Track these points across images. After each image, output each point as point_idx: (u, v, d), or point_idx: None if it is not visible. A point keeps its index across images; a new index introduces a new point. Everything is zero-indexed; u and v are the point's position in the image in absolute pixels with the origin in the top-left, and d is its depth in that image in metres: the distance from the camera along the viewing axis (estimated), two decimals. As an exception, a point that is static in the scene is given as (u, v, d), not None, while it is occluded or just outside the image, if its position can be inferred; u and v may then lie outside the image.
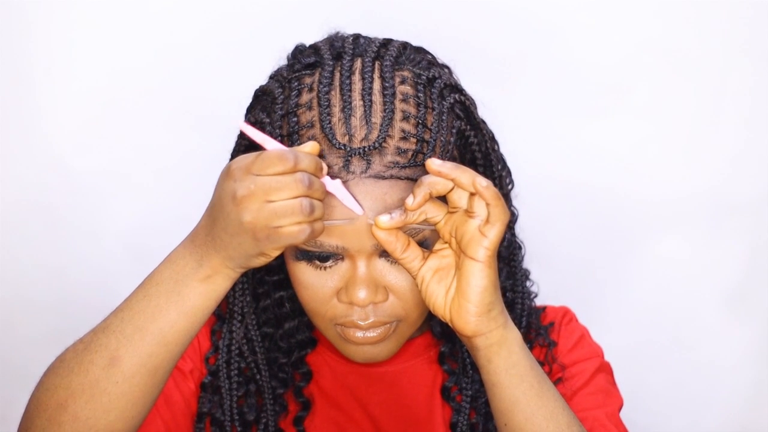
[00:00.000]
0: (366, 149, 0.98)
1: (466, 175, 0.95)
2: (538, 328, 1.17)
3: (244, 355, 1.15)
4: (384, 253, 1.01)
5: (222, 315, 1.16)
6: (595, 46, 1.63)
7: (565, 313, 1.20)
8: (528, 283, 1.19)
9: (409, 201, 0.96)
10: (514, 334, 1.00)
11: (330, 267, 1.03)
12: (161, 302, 0.95)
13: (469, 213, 0.96)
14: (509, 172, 1.17)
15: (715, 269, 1.68)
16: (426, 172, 0.98)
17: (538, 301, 1.23)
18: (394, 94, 1.01)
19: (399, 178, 0.99)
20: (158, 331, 0.95)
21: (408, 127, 1.00)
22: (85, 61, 1.62)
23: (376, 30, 1.13)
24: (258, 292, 1.15)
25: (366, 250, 1.00)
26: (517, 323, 1.14)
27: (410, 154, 0.99)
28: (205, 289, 0.95)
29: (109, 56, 1.62)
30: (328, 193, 0.96)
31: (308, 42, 1.10)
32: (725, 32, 1.61)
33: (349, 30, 1.12)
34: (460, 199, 0.96)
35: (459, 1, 1.61)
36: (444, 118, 1.03)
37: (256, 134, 0.94)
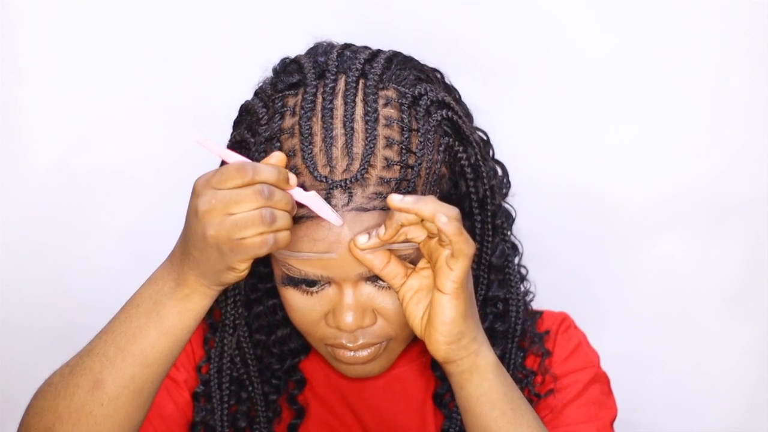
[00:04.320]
0: (348, 182, 0.97)
1: (427, 208, 0.93)
2: (534, 335, 1.15)
3: (237, 366, 1.15)
4: (371, 278, 1.01)
5: (215, 324, 1.16)
6: (592, 46, 1.62)
7: (563, 320, 1.18)
8: (526, 284, 1.18)
9: (381, 231, 0.96)
10: (487, 361, 0.99)
11: (317, 292, 1.03)
12: (141, 323, 0.95)
13: (441, 242, 0.95)
14: (506, 174, 1.16)
15: (715, 269, 1.68)
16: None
17: (535, 303, 1.22)
18: (377, 120, 0.99)
19: (382, 209, 0.98)
20: (139, 352, 0.95)
21: (391, 154, 0.99)
22: (86, 60, 1.62)
23: (369, 32, 1.13)
24: (251, 299, 1.14)
25: (351, 279, 1.00)
26: (512, 332, 1.13)
27: (393, 183, 0.98)
28: (182, 308, 0.95)
29: (109, 55, 1.62)
30: (300, 204, 0.95)
31: (299, 46, 1.09)
32: (724, 31, 1.60)
33: (341, 35, 1.11)
34: (432, 227, 0.95)
35: (453, 2, 1.61)
36: (430, 137, 1.01)
37: (213, 148, 0.94)
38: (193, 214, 0.91)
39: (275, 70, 1.08)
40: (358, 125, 0.99)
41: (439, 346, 0.97)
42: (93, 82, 1.62)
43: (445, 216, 0.92)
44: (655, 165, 1.65)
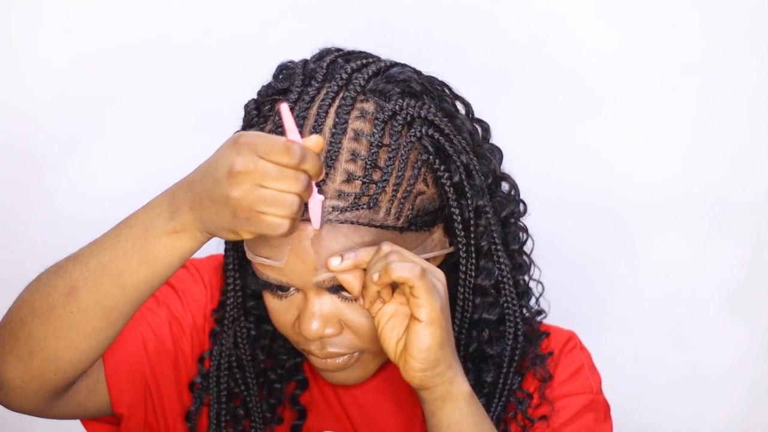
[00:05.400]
0: None
1: (375, 267, 0.96)
2: (536, 357, 1.13)
3: (240, 362, 1.15)
4: (333, 289, 1.01)
5: (222, 319, 1.15)
6: (595, 46, 1.62)
7: (568, 340, 1.16)
8: (539, 302, 1.16)
9: (335, 262, 0.97)
10: (461, 390, 0.99)
11: (288, 297, 1.03)
12: (128, 245, 0.95)
13: None
14: (517, 192, 1.14)
15: (715, 269, 1.68)
16: (375, 214, 0.99)
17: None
18: (344, 132, 0.99)
19: (340, 222, 0.98)
20: (118, 272, 0.95)
21: (354, 168, 0.99)
22: (85, 58, 1.61)
23: (378, 35, 1.12)
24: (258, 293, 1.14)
25: (310, 287, 1.01)
26: (508, 355, 1.11)
27: (352, 197, 0.98)
28: (170, 243, 0.94)
29: (110, 52, 1.61)
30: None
31: (309, 46, 1.09)
32: (725, 32, 1.60)
33: (350, 39, 1.10)
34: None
35: (456, 5, 1.61)
36: (402, 153, 1.01)
37: (287, 118, 0.91)
38: (224, 168, 0.88)
39: (273, 74, 1.08)
40: (324, 137, 0.99)
41: (414, 373, 0.98)
42: (93, 80, 1.62)
43: (375, 272, 0.95)
44: (656, 165, 1.65)
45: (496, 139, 1.16)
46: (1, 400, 1.02)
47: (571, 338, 1.16)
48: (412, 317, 0.96)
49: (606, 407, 1.14)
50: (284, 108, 0.91)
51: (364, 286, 0.98)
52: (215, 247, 1.09)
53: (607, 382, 1.16)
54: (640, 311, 1.70)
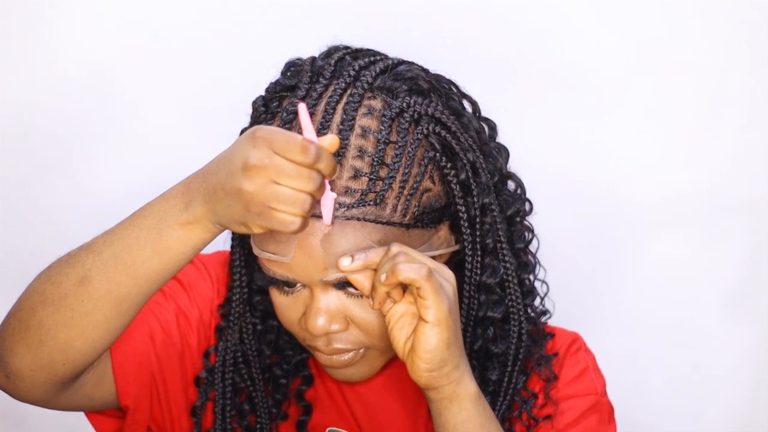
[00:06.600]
0: None
1: (383, 267, 0.96)
2: (541, 357, 1.13)
3: (246, 357, 1.15)
4: (339, 285, 1.01)
5: (227, 315, 1.16)
6: (595, 46, 1.62)
7: (573, 341, 1.16)
8: (544, 302, 1.17)
9: (346, 262, 0.98)
10: (468, 390, 1.00)
11: (294, 293, 1.04)
12: (141, 235, 0.95)
13: None
14: (524, 190, 1.14)
15: (715, 269, 1.68)
16: (382, 210, 0.99)
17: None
18: (351, 128, 1.00)
19: (346, 218, 0.99)
20: (131, 262, 0.96)
21: (361, 164, 0.99)
22: (89, 57, 1.62)
23: (383, 33, 1.12)
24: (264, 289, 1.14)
25: (316, 283, 1.01)
26: (513, 353, 1.11)
27: (359, 194, 0.99)
28: (183, 234, 0.94)
29: (114, 51, 1.62)
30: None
31: (316, 45, 1.10)
32: (725, 32, 1.61)
33: (358, 36, 1.11)
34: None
35: (461, 3, 1.61)
36: (409, 150, 1.01)
37: (304, 118, 0.92)
38: (239, 161, 0.89)
39: (282, 71, 1.08)
40: (332, 133, 0.99)
41: (421, 373, 0.98)
42: (94, 80, 1.62)
43: (382, 272, 0.96)
44: (655, 165, 1.65)
45: (499, 138, 1.16)
46: (8, 389, 1.03)
47: (576, 340, 1.17)
48: (420, 318, 0.97)
49: (610, 409, 1.15)
50: (302, 108, 0.91)
51: (373, 287, 0.98)
52: (222, 243, 1.10)
53: (607, 382, 1.17)
54: (640, 311, 1.70)
